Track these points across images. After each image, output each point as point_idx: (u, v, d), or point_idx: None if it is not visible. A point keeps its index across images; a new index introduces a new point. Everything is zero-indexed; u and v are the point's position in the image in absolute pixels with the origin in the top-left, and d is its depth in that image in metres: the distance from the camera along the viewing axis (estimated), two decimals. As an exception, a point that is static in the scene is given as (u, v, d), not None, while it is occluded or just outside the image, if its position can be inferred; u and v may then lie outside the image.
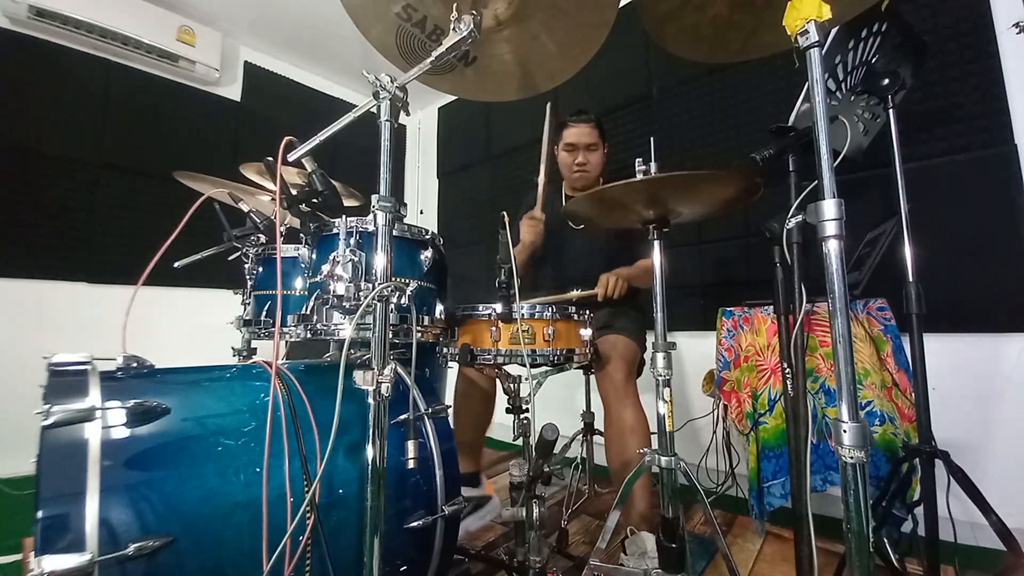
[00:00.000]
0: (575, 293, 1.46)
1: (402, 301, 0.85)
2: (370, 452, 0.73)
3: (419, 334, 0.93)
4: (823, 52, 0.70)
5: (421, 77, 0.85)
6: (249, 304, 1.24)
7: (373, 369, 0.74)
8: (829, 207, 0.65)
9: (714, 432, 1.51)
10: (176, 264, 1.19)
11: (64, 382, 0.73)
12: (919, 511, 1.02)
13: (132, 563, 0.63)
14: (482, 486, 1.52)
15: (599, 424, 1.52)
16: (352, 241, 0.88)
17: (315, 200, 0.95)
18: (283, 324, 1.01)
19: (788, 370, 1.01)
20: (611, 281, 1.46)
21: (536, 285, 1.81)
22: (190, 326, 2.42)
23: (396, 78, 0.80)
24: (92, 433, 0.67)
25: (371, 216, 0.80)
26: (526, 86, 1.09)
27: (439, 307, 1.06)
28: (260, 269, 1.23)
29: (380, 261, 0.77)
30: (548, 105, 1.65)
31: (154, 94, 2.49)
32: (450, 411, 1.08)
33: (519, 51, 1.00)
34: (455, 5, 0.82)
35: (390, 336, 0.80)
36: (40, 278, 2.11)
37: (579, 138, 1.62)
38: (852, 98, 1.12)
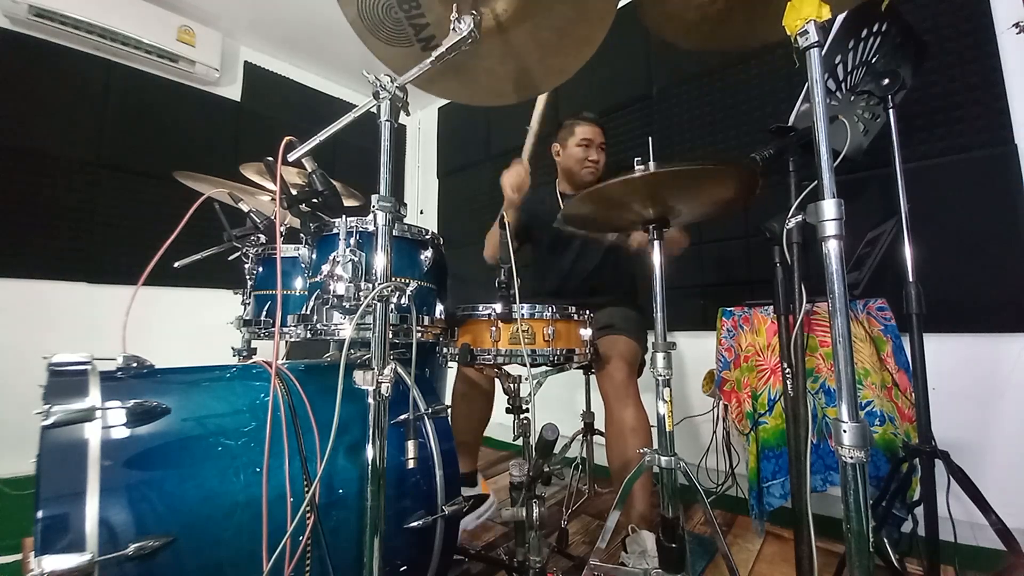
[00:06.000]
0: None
1: (402, 301, 0.85)
2: (370, 452, 0.73)
3: (419, 334, 0.93)
4: (823, 52, 0.70)
5: (416, 82, 0.84)
6: (249, 304, 1.24)
7: (373, 369, 0.74)
8: (829, 207, 0.65)
9: (714, 432, 1.51)
10: (176, 264, 1.19)
11: (64, 382, 0.73)
12: (919, 511, 1.02)
13: (132, 563, 0.63)
14: (478, 485, 1.52)
15: (599, 424, 1.52)
16: (352, 241, 0.88)
17: (315, 200, 0.95)
18: (283, 324, 1.01)
19: (788, 370, 1.01)
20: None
21: (536, 286, 1.81)
22: (190, 326, 2.41)
23: (396, 78, 0.80)
24: (92, 433, 0.67)
25: (371, 216, 0.80)
26: (520, 89, 1.06)
27: (439, 307, 1.06)
28: (260, 269, 1.23)
29: (380, 261, 0.77)
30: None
31: (154, 94, 2.49)
32: (450, 411, 1.08)
33: (511, 54, 0.98)
34: (455, 5, 0.82)
35: (390, 336, 0.80)
36: (40, 278, 2.11)
37: (595, 136, 1.66)
38: (852, 98, 1.12)
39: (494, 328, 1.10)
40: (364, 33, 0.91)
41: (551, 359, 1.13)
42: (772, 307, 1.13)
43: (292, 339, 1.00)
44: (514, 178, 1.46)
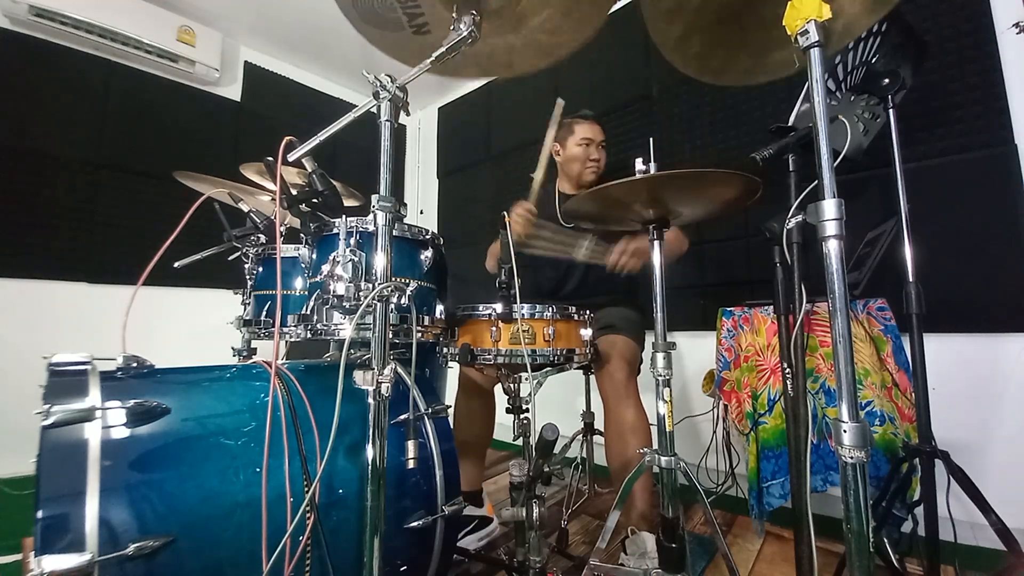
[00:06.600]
0: (585, 250, 1.33)
1: (402, 301, 0.85)
2: (370, 452, 0.73)
3: (419, 334, 0.93)
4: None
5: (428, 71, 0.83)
6: (249, 304, 1.24)
7: (373, 369, 0.74)
8: (829, 207, 0.65)
9: (714, 432, 1.51)
10: (176, 264, 1.19)
11: (64, 382, 0.73)
12: (919, 511, 1.02)
13: (132, 563, 0.63)
14: (484, 507, 1.52)
15: (599, 424, 1.52)
16: (352, 241, 0.88)
17: (315, 200, 0.95)
18: (283, 324, 1.01)
19: (788, 370, 1.01)
20: (625, 254, 1.33)
21: (536, 286, 1.81)
22: (190, 326, 2.42)
23: (396, 78, 0.80)
24: (92, 433, 0.67)
25: (371, 216, 0.80)
26: (527, 60, 1.01)
27: (439, 307, 1.06)
28: (260, 269, 1.23)
29: (380, 261, 0.77)
30: (559, 101, 1.48)
31: (154, 94, 2.49)
32: (450, 411, 1.08)
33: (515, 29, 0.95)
34: (455, 5, 0.82)
35: (390, 336, 0.80)
36: (40, 278, 2.11)
37: (595, 134, 1.65)
38: (852, 98, 1.12)
39: (494, 328, 1.10)
40: (349, 9, 0.90)
41: (551, 359, 1.13)
42: (772, 307, 1.13)
43: (292, 339, 1.00)
44: (520, 223, 1.41)
